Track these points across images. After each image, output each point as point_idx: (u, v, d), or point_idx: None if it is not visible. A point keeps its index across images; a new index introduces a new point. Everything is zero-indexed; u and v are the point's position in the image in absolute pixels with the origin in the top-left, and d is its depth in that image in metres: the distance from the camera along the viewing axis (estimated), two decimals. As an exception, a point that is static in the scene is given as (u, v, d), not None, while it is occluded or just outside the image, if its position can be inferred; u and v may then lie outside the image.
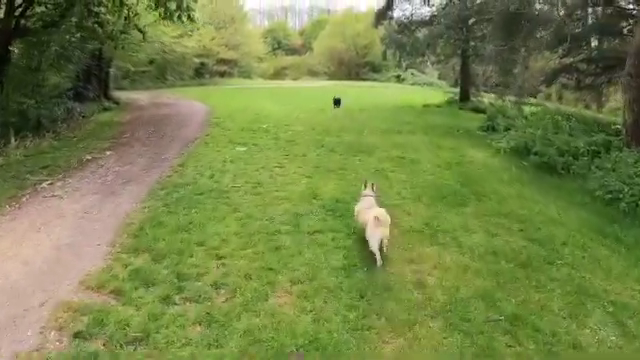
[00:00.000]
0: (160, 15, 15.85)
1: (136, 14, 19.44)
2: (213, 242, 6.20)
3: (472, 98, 25.51)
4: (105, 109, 22.57)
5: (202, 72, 41.27)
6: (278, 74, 58.44)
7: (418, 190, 8.64)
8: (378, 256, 5.52)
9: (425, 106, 24.31)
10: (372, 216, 5.62)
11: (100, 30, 18.06)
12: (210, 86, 37.24)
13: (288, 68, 59.87)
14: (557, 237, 6.81)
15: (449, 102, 25.76)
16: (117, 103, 25.40)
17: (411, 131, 15.26)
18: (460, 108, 23.87)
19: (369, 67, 52.34)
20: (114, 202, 8.04)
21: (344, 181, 8.94)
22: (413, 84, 46.81)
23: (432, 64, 28.97)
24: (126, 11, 17.02)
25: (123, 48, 21.07)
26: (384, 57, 24.79)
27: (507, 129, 14.95)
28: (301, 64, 59.41)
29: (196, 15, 19.07)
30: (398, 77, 49.25)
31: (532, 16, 12.60)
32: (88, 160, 11.39)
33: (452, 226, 6.99)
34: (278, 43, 65.25)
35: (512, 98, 18.77)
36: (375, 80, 49.92)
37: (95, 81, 24.36)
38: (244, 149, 11.68)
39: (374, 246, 5.54)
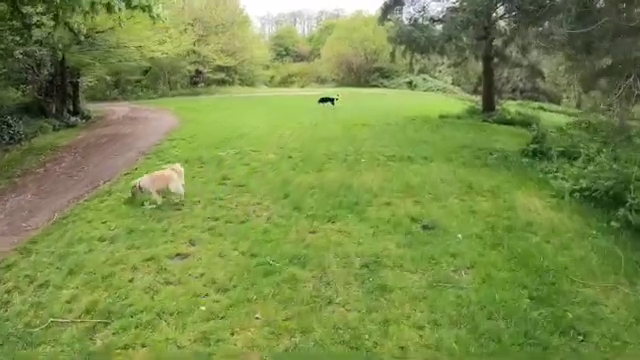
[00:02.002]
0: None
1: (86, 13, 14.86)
2: None
3: (497, 107, 20.46)
4: (68, 125, 18.44)
5: (197, 81, 36.62)
6: (285, 82, 53.50)
7: (450, 332, 3.71)
8: (182, 193, 6.99)
9: (442, 117, 19.26)
10: (171, 169, 7.20)
11: (27, 33, 13.47)
12: (204, 95, 32.41)
13: (295, 75, 54.78)
14: None
15: (470, 112, 20.67)
16: (87, 118, 21.07)
17: (428, 157, 10.29)
18: (484, 120, 18.80)
19: (379, 73, 47.00)
20: None
21: (290, 310, 4.03)
22: (426, 90, 41.61)
23: (448, 66, 23.78)
24: (55, 10, 12.30)
25: (60, 52, 16.50)
26: (392, 57, 19.76)
27: (565, 155, 9.97)
28: (309, 71, 54.21)
29: (158, 10, 13.97)
30: (410, 83, 43.91)
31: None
32: None
33: None
34: (285, 50, 60.29)
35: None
36: (385, 87, 44.70)
37: (58, 94, 19.98)
38: (155, 205, 6.86)
39: (179, 190, 6.96)
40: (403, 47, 17.27)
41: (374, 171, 8.83)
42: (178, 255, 5.15)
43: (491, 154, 11.19)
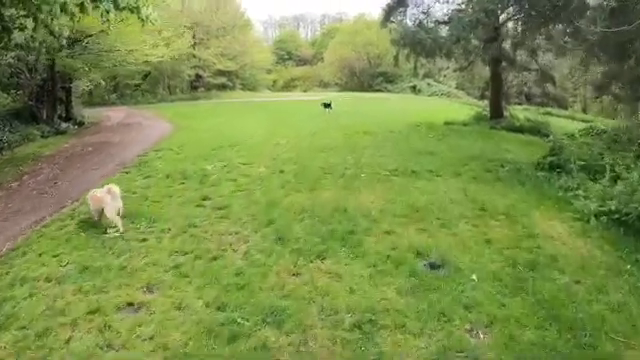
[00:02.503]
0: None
1: (72, 16, 13.89)
2: None
3: (505, 113, 19.41)
4: (58, 132, 17.63)
5: (197, 85, 35.69)
6: (288, 86, 52.55)
7: None
8: (119, 224, 5.82)
9: (448, 124, 18.25)
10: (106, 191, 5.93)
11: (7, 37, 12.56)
12: (203, 100, 31.55)
13: (298, 79, 53.79)
14: None
15: (477, 118, 19.63)
16: (80, 124, 20.25)
17: (434, 171, 9.29)
18: (492, 127, 17.76)
19: (382, 77, 45.93)
20: None
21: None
22: (430, 95, 40.56)
23: (454, 70, 22.70)
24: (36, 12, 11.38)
25: (44, 56, 15.48)
26: (396, 61, 18.78)
27: (587, 170, 8.96)
28: (312, 75, 53.23)
29: (147, 12, 12.97)
30: (414, 88, 42.83)
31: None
32: None
33: None
34: (288, 54, 59.29)
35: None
36: (389, 91, 43.62)
37: (49, 99, 19.11)
38: (117, 234, 5.89)
39: (113, 217, 5.83)
40: (407, 50, 16.29)
41: (374, 189, 7.84)
42: (130, 305, 4.17)
43: (502, 166, 10.20)
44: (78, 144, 14.47)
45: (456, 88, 42.69)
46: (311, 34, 77.35)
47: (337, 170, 9.25)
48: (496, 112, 19.12)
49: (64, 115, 20.29)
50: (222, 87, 36.62)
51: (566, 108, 34.20)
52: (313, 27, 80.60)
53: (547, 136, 17.25)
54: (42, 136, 16.60)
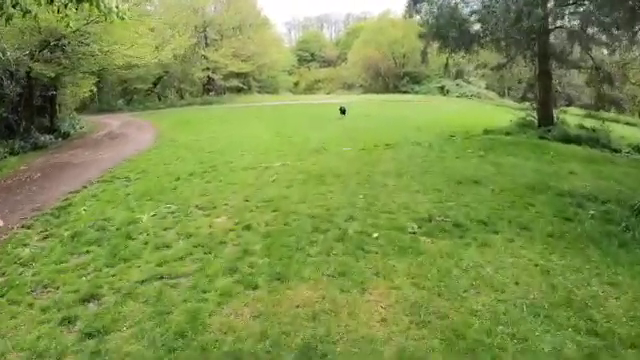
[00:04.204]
0: None
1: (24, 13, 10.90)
2: None
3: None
4: (36, 147, 15.19)
5: (209, 89, 32.57)
6: (311, 88, 48.78)
7: None
8: None
9: (487, 132, 14.60)
10: None
11: None
12: (214, 105, 28.31)
13: (322, 81, 49.84)
14: None
15: (521, 125, 15.85)
16: (66, 135, 17.48)
17: (488, 222, 5.66)
18: (541, 137, 13.98)
19: (409, 78, 41.73)
20: None
21: None
22: (459, 96, 36.45)
23: (492, 69, 18.73)
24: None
25: None
26: (423, 57, 15.26)
27: None
28: (335, 77, 49.23)
29: (111, 3, 9.46)
30: (442, 88, 38.58)
31: None
32: None
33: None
34: (312, 55, 55.42)
35: None
36: (416, 92, 39.47)
37: (25, 110, 16.34)
38: None
39: None
40: (437, 43, 12.65)
41: (391, 277, 4.24)
42: None
43: (581, 207, 6.54)
44: (37, 166, 11.52)
45: (486, 89, 38.62)
46: (335, 34, 73.20)
47: (336, 222, 5.77)
48: (545, 118, 15.33)
49: (49, 126, 17.60)
50: (237, 90, 33.38)
51: (619, 112, 29.67)
52: (337, 27, 76.14)
53: (610, 149, 13.59)
54: (11, 153, 13.85)
